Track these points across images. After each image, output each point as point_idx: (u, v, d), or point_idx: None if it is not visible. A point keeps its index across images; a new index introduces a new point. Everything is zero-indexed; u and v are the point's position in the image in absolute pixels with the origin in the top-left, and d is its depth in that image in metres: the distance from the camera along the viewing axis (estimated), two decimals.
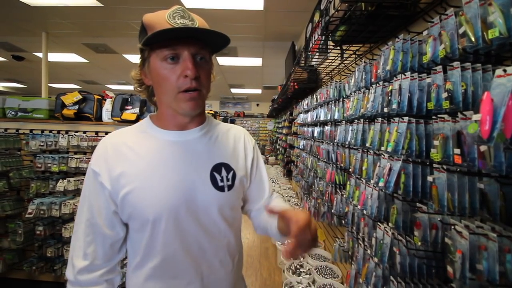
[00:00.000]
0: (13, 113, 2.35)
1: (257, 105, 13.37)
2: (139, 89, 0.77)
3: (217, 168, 0.74)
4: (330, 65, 2.45)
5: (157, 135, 0.73)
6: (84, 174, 2.25)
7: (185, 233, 0.70)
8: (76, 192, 2.22)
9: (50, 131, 2.31)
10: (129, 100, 2.25)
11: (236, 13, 3.98)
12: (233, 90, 10.64)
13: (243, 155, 0.82)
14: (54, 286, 2.28)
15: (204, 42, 0.66)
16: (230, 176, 0.75)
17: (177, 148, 0.72)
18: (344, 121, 1.83)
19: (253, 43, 5.36)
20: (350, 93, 1.77)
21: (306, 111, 3.23)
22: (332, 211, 1.86)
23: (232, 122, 8.29)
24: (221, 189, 0.73)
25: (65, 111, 2.24)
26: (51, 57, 5.55)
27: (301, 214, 0.62)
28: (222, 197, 0.73)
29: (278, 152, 8.42)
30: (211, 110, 5.16)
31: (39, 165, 2.21)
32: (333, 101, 2.14)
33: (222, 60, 6.56)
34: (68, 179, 2.18)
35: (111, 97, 2.32)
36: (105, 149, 0.71)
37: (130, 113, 2.18)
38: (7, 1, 3.71)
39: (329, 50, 2.12)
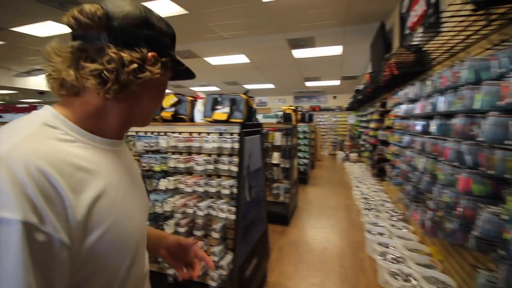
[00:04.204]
0: None
1: (334, 97, 12.52)
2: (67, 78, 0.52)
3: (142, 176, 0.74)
4: (452, 39, 1.89)
5: (96, 144, 0.56)
6: (180, 173, 2.33)
7: (139, 257, 0.63)
8: (175, 191, 2.34)
9: (152, 132, 2.49)
10: (218, 99, 2.23)
11: None
12: (308, 84, 10.19)
13: None
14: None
15: None
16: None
17: (120, 159, 0.62)
18: (493, 112, 1.34)
19: (332, 29, 4.90)
20: (502, 74, 1.27)
21: (412, 101, 2.67)
22: (475, 233, 1.39)
23: (310, 117, 7.89)
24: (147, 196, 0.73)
25: (163, 114, 2.37)
26: None
27: None
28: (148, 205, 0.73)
29: (362, 148, 7.64)
30: (291, 106, 4.91)
31: (144, 165, 2.41)
32: (466, 85, 1.63)
33: (298, 53, 6.27)
34: (168, 178, 2.31)
35: (202, 98, 2.35)
36: (36, 180, 0.41)
37: (220, 112, 2.15)
38: None
39: (443, 24, 1.60)
